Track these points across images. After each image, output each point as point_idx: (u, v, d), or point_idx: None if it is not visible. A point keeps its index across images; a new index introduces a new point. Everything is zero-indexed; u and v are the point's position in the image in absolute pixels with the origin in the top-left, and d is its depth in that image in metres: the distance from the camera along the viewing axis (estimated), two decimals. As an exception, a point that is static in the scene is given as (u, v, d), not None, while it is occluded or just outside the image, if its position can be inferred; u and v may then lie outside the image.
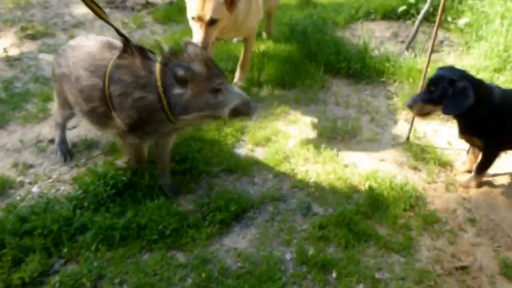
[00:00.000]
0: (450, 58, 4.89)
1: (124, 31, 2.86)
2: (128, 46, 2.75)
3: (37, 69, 4.90)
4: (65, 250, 2.73)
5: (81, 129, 3.90)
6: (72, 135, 3.80)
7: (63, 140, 3.60)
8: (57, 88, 3.27)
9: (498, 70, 4.36)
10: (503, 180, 3.49)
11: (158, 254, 2.73)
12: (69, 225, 2.84)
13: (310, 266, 2.70)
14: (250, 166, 3.46)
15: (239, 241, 2.89)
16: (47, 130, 3.90)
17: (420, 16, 5.05)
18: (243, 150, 3.68)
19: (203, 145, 3.57)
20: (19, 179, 3.37)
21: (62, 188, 3.28)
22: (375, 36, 5.39)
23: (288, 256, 2.79)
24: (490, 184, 3.45)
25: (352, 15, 5.92)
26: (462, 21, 5.16)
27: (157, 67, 2.64)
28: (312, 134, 3.89)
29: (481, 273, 2.78)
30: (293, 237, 2.91)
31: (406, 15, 5.78)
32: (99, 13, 2.87)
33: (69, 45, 3.17)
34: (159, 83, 2.61)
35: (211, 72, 2.61)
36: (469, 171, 3.50)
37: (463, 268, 2.81)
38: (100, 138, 3.77)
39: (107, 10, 5.29)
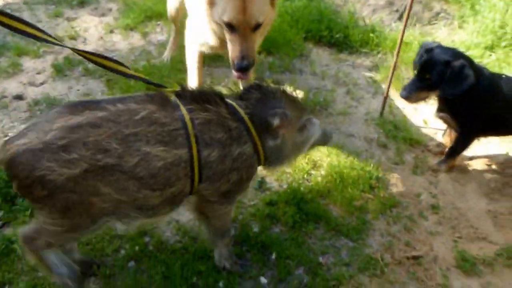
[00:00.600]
0: (442, 32, 4.57)
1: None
2: (203, 93, 2.11)
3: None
4: (1, 213, 2.63)
5: (47, 86, 3.76)
6: (36, 92, 3.66)
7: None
8: (68, 200, 1.83)
9: (490, 48, 4.05)
10: (477, 166, 3.28)
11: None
12: (9, 187, 2.72)
13: (251, 245, 2.56)
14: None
15: (183, 212, 2.74)
16: (14, 85, 3.76)
17: (417, -16, 4.70)
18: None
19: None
20: (-25, 134, 3.26)
21: (16, 147, 3.16)
22: (368, 4, 5.04)
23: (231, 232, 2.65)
24: (462, 170, 3.23)
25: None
26: (463, -6, 4.79)
27: (241, 112, 2.11)
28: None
29: (435, 265, 2.61)
30: (239, 212, 2.76)
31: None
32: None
33: (99, 113, 1.87)
34: (253, 131, 2.10)
35: (299, 109, 2.26)
36: (442, 154, 3.28)
37: (415, 258, 2.64)
38: (62, 97, 3.63)
39: None
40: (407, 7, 3.01)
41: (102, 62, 2.15)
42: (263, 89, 2.16)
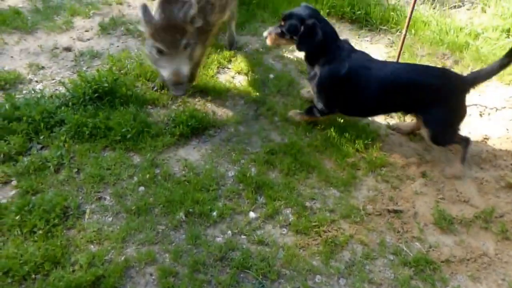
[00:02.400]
0: (464, 14, 4.58)
1: None
2: None
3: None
4: (42, 137, 3.01)
5: (92, 42, 4.13)
6: (82, 46, 4.04)
7: None
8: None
9: (507, 31, 4.05)
10: (475, 138, 3.35)
11: (117, 154, 2.96)
12: (51, 118, 3.11)
13: (246, 185, 2.82)
14: (226, 91, 3.55)
15: (192, 153, 3.04)
16: (65, 39, 4.15)
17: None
18: (225, 76, 3.77)
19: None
20: (29, 77, 3.66)
21: (60, 88, 3.54)
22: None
23: (230, 173, 2.92)
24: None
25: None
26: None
27: None
28: (294, 71, 3.91)
29: (413, 219, 2.77)
30: (242, 157, 3.02)
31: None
32: None
33: None
34: None
35: None
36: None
37: (396, 211, 2.80)
38: (103, 51, 3.99)
39: None
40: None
41: None
42: None
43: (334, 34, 3.04)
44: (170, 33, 2.88)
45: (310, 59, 3.11)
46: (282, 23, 3.05)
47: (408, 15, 3.30)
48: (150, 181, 2.79)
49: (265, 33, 3.17)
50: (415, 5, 3.29)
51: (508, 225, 2.72)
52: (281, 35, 3.06)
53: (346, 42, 3.10)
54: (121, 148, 2.99)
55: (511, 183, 2.97)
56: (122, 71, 3.67)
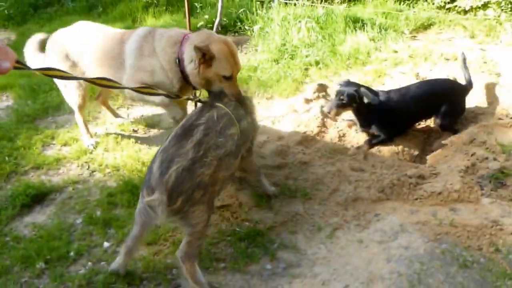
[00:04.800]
0: (243, 56, 5.76)
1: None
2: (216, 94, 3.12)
3: None
4: None
5: None
6: None
7: None
8: (211, 192, 2.71)
9: (276, 60, 5.26)
10: (273, 140, 4.23)
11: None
12: None
13: (95, 224, 3.20)
14: (56, 161, 3.92)
15: (38, 217, 3.32)
16: None
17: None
18: (52, 150, 4.15)
19: (12, 151, 4.03)
20: None
21: None
22: None
23: (78, 220, 3.26)
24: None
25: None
26: (255, 28, 6.08)
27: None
28: (114, 129, 4.49)
29: (240, 209, 3.38)
30: (85, 206, 3.39)
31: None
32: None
33: (201, 127, 2.70)
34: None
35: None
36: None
37: (224, 206, 3.38)
38: None
39: None
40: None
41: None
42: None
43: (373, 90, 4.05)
44: None
45: (363, 112, 4.06)
46: (336, 97, 4.01)
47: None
48: (2, 248, 3.00)
49: (325, 109, 4.07)
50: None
51: (308, 189, 3.54)
52: (341, 106, 3.99)
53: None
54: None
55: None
56: None
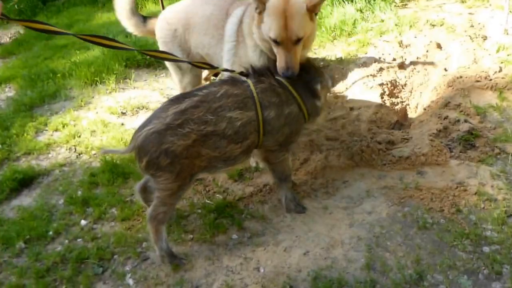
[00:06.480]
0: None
1: None
2: (256, 71, 2.83)
3: None
4: None
5: None
6: None
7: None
8: (182, 164, 2.56)
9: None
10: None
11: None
12: None
13: (75, 204, 3.31)
14: (47, 146, 4.07)
15: (25, 199, 3.45)
16: None
17: None
18: (44, 136, 4.30)
19: (6, 139, 4.21)
20: None
21: None
22: None
23: (60, 201, 3.38)
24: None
25: None
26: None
27: (284, 81, 2.80)
28: (104, 114, 4.61)
29: (213, 181, 3.45)
30: (68, 188, 3.51)
31: None
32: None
33: (195, 98, 2.61)
34: (296, 95, 2.80)
35: (323, 74, 3.01)
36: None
37: (198, 179, 3.51)
38: None
39: None
40: None
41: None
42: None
43: None
44: None
45: None
46: None
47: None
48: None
49: None
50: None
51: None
52: None
53: None
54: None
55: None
56: None
